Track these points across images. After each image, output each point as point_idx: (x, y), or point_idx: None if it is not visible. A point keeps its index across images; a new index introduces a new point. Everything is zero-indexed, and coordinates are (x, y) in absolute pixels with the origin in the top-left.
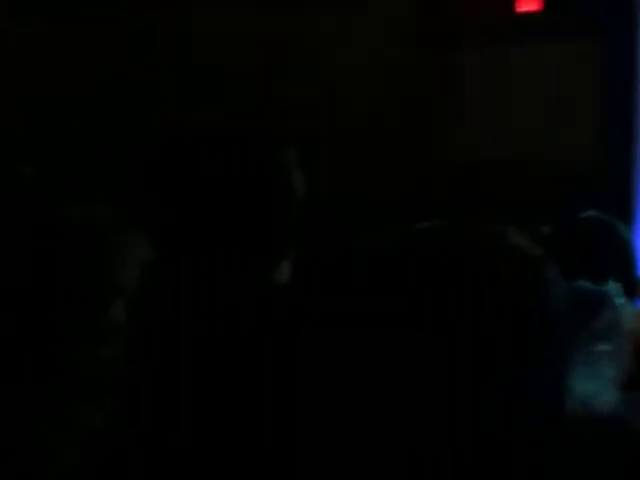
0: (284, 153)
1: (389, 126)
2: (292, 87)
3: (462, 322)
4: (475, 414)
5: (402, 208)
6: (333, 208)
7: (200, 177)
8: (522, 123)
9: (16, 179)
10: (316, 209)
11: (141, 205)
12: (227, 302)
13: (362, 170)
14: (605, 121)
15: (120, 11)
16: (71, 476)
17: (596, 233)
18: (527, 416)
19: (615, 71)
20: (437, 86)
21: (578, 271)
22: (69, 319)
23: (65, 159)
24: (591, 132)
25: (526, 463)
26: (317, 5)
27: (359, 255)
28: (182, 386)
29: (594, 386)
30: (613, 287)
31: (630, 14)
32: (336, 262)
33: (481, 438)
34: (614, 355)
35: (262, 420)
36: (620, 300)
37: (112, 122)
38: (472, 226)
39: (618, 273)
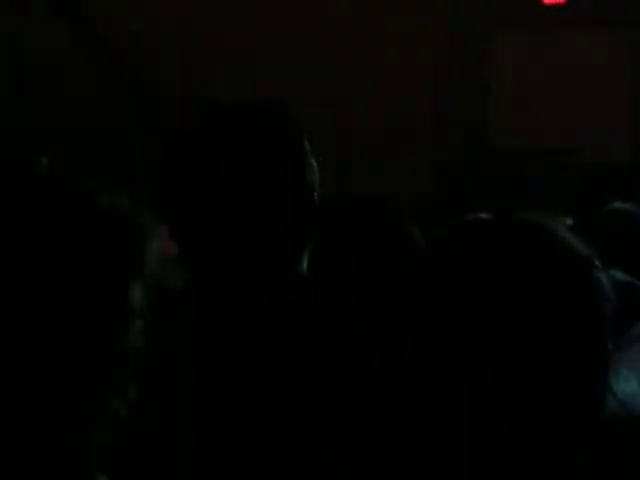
0: (307, 144)
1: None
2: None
3: (509, 320)
4: (514, 410)
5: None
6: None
7: (233, 167)
8: (552, 109)
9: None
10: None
11: (170, 195)
12: (257, 290)
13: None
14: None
15: None
16: (102, 463)
17: (621, 225)
18: (568, 415)
19: None
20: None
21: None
22: (90, 302)
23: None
24: (624, 119)
25: (567, 462)
26: None
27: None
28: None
29: (634, 385)
30: None
31: None
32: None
33: (522, 436)
34: None
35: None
36: None
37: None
38: (521, 222)
39: None
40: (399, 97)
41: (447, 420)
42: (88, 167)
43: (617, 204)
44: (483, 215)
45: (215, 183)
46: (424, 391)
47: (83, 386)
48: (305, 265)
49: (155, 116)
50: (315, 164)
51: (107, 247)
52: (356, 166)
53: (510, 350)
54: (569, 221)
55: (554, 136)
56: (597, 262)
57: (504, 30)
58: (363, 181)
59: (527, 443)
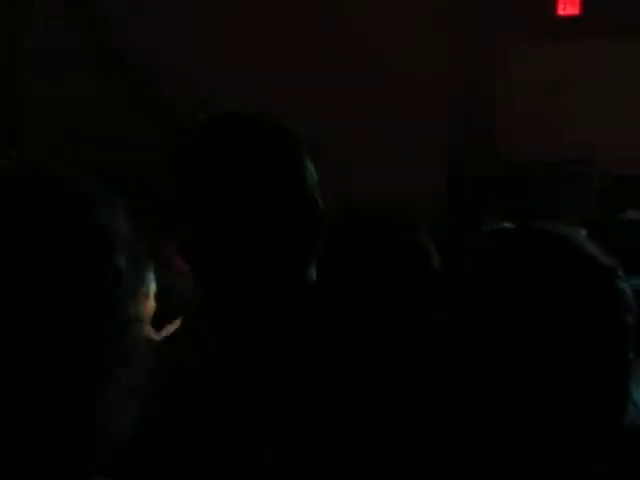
0: (305, 148)
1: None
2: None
3: (534, 329)
4: (518, 412)
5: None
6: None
7: (243, 176)
8: (570, 120)
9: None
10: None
11: (178, 207)
12: (268, 301)
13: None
14: None
15: None
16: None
17: (634, 234)
18: (588, 424)
19: None
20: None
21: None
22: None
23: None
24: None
25: (584, 470)
26: None
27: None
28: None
29: None
30: None
31: None
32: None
33: (542, 443)
34: None
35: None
36: None
37: None
38: (544, 232)
39: None
40: (400, 97)
41: (447, 420)
42: (87, 169)
43: (630, 213)
44: (504, 226)
45: (218, 194)
46: (424, 391)
47: (74, 366)
48: (314, 273)
49: (156, 116)
50: (312, 167)
51: (77, 222)
52: (372, 170)
53: (530, 356)
54: (584, 232)
55: (572, 148)
56: (620, 272)
57: (521, 44)
58: (378, 185)
59: (531, 444)
